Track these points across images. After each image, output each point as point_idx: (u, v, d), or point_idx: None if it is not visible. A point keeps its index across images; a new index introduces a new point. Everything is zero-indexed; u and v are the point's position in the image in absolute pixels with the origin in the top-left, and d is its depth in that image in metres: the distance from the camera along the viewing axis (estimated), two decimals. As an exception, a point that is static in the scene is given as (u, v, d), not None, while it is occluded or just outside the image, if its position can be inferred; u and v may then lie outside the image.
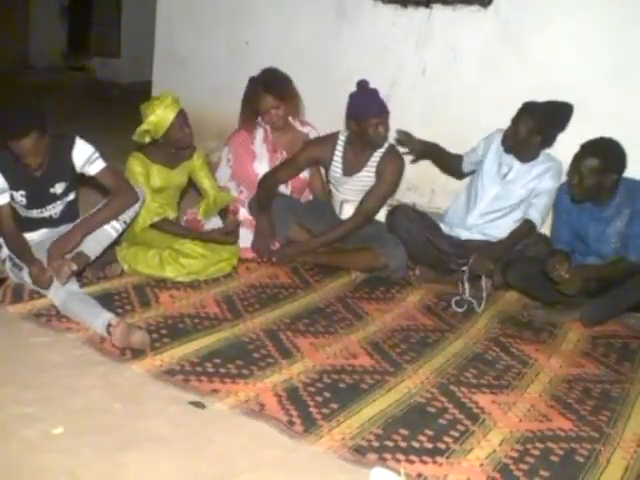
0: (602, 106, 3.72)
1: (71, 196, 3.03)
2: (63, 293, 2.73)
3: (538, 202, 3.44)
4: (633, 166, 3.12)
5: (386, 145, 3.58)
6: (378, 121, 3.42)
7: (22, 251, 2.81)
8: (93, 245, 2.89)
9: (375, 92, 3.49)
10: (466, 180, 3.81)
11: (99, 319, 2.59)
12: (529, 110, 3.36)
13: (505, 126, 3.45)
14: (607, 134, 3.13)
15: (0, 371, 2.30)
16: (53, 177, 2.91)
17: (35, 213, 2.95)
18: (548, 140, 3.45)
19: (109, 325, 2.54)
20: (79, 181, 3.06)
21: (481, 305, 3.28)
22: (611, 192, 3.13)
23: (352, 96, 3.50)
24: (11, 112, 2.74)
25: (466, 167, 3.76)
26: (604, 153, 3.04)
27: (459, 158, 3.77)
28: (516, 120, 3.39)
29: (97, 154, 2.95)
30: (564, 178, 3.34)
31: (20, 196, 2.86)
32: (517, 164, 3.49)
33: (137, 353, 2.50)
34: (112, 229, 2.94)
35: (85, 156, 2.93)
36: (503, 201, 3.52)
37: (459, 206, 3.69)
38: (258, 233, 3.63)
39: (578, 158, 3.09)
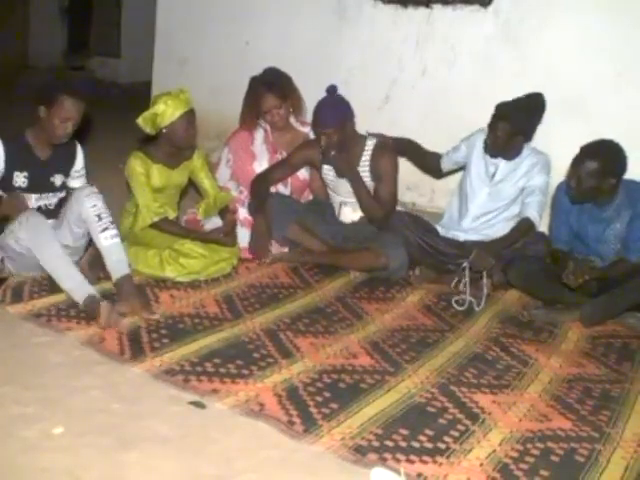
0: (602, 106, 3.72)
1: (64, 193, 3.08)
2: (56, 248, 2.78)
3: (532, 200, 3.44)
4: (633, 167, 3.12)
5: (372, 142, 3.60)
6: (322, 132, 3.45)
7: None
8: (119, 260, 2.91)
9: (329, 101, 3.49)
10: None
11: (82, 288, 2.72)
12: (503, 113, 3.34)
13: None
14: (607, 134, 3.13)
15: (0, 371, 2.30)
16: (55, 166, 2.98)
17: (34, 199, 2.97)
18: (529, 135, 3.44)
19: (92, 300, 2.66)
20: None
21: (481, 304, 3.28)
22: (610, 194, 3.13)
23: None
24: (80, 78, 2.91)
25: (446, 166, 3.76)
26: (603, 156, 3.04)
27: (436, 156, 3.77)
28: (493, 126, 3.38)
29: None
30: (560, 174, 3.34)
31: (23, 177, 2.90)
32: (503, 162, 3.49)
33: (137, 353, 2.50)
34: (111, 237, 2.89)
35: (82, 164, 3.10)
36: (494, 202, 3.53)
37: (453, 210, 3.69)
38: (255, 234, 3.63)
39: (577, 161, 3.08)
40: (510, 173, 3.48)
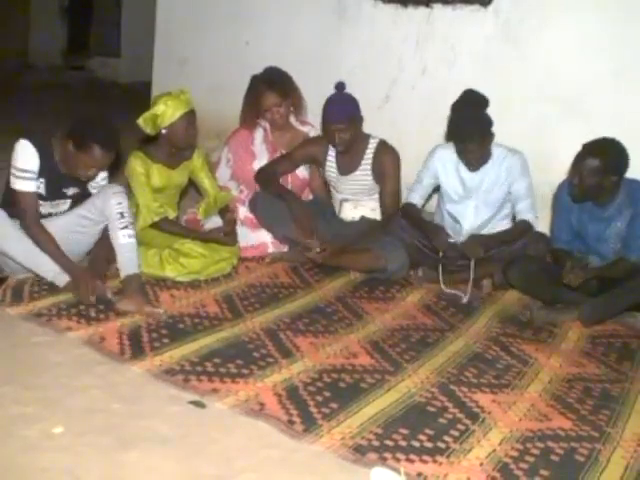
0: (601, 106, 3.72)
1: (76, 200, 3.07)
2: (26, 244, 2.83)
3: (524, 204, 3.44)
4: (633, 166, 3.12)
5: (375, 141, 3.61)
6: (335, 128, 3.45)
7: (57, 254, 2.88)
8: (131, 259, 2.93)
9: (339, 97, 3.50)
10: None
11: (56, 271, 2.86)
12: (469, 135, 3.30)
13: (503, 128, 3.42)
14: (606, 133, 3.13)
15: (0, 371, 2.30)
16: (72, 180, 2.97)
17: (48, 207, 2.99)
18: (492, 135, 3.37)
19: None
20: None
21: (467, 294, 3.32)
22: (612, 193, 3.13)
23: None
24: (112, 125, 2.88)
25: (421, 202, 3.66)
26: (605, 154, 3.04)
27: (414, 207, 3.64)
28: (463, 148, 3.34)
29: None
30: (559, 173, 3.34)
31: (40, 183, 2.90)
32: (478, 171, 3.46)
33: (137, 353, 2.50)
34: (129, 237, 2.92)
35: (103, 175, 3.09)
36: (484, 210, 3.51)
37: (447, 226, 3.61)
38: (296, 213, 3.57)
39: (579, 158, 3.09)
40: (488, 177, 3.44)
